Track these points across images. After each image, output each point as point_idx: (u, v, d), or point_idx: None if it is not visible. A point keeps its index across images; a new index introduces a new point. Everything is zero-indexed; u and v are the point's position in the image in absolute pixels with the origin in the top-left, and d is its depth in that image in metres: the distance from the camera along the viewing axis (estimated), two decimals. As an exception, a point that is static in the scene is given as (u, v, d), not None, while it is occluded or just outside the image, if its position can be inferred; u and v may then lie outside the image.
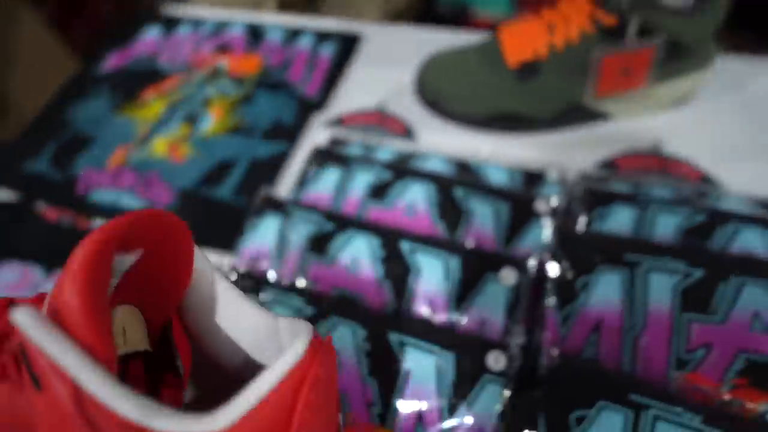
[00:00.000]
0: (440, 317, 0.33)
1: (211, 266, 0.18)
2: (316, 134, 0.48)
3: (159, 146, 0.51)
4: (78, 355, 0.13)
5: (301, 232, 0.37)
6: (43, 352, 0.13)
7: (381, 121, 0.48)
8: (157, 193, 0.47)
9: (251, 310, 0.18)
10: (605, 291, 0.30)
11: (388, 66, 0.53)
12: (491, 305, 0.32)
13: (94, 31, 1.56)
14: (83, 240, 0.14)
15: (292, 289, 0.34)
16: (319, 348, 0.14)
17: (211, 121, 0.52)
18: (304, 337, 0.14)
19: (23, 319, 0.13)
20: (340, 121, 0.49)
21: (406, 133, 0.47)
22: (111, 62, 0.61)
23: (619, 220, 0.34)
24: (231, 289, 0.18)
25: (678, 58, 0.42)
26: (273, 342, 0.17)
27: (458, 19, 1.25)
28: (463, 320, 0.32)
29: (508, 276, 0.33)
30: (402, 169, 0.40)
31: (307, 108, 0.51)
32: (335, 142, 0.45)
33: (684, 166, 0.40)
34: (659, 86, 0.43)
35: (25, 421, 0.16)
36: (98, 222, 0.47)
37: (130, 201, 0.47)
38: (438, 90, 0.46)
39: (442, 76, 0.46)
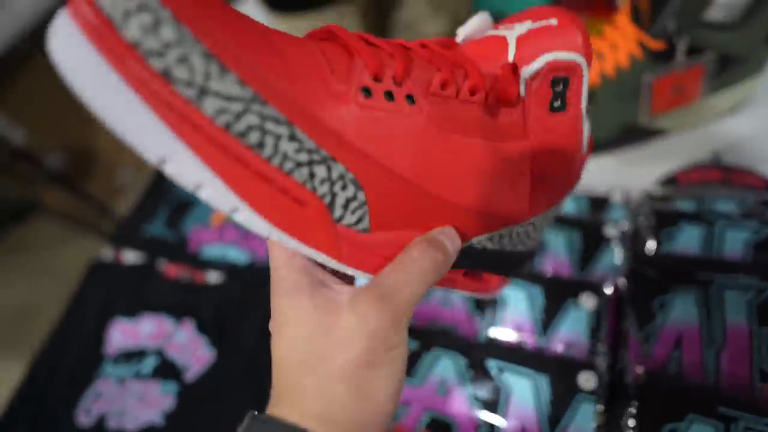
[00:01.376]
0: (530, 342, 0.37)
1: None
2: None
3: (253, 202, 0.58)
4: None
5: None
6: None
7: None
8: (259, 244, 0.54)
9: None
10: (682, 310, 0.33)
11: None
12: (575, 329, 0.36)
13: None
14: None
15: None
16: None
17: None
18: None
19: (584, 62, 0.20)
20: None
21: None
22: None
23: (688, 240, 0.36)
24: None
25: (730, 67, 0.43)
26: None
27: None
28: (551, 344, 0.36)
29: (588, 300, 0.36)
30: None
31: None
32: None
33: (747, 175, 0.42)
34: (714, 97, 0.45)
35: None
36: (213, 275, 0.54)
37: (236, 254, 0.55)
38: None
39: None
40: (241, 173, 0.16)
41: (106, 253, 0.61)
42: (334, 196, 0.17)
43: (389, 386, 0.18)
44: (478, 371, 0.35)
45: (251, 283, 0.51)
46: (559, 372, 0.34)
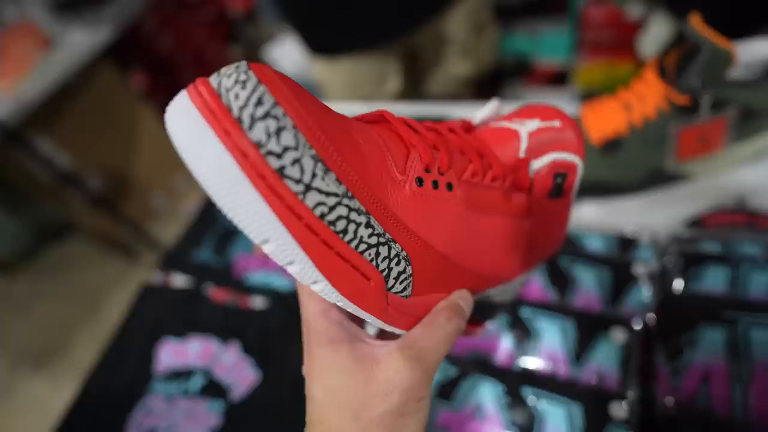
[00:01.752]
0: (563, 372, 0.39)
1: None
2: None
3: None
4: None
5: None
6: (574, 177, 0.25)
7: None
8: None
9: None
10: (710, 346, 0.35)
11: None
12: (606, 361, 0.38)
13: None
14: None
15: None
16: None
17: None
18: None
19: (578, 161, 0.26)
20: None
21: None
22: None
23: (714, 280, 0.39)
24: None
25: (753, 120, 0.46)
26: None
27: (521, 70, 1.32)
28: (584, 374, 0.38)
29: (618, 334, 0.39)
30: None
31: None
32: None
33: (771, 220, 0.44)
34: (738, 146, 0.48)
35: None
36: (257, 300, 0.58)
37: (280, 281, 0.58)
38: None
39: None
40: (326, 253, 0.19)
41: (156, 276, 0.65)
42: (390, 270, 0.21)
43: (418, 429, 0.21)
44: (514, 398, 0.38)
45: (295, 310, 0.54)
46: (591, 401, 0.36)
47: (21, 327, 1.67)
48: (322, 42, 0.80)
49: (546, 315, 0.41)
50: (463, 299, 0.24)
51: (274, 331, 0.55)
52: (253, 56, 1.95)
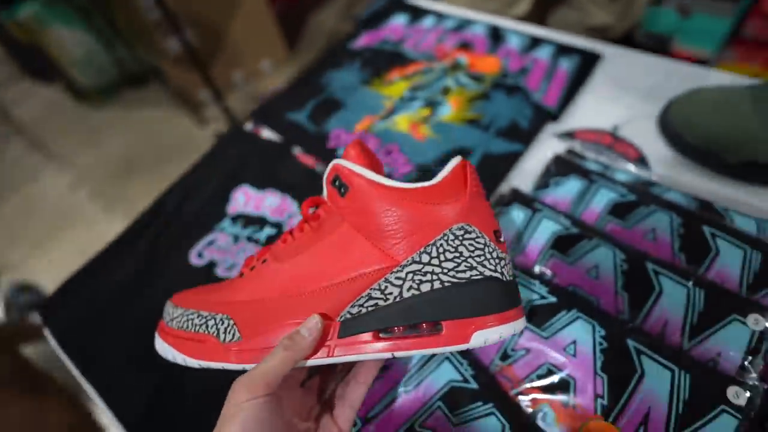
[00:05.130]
0: (672, 340, 0.35)
1: None
2: (551, 142, 0.51)
3: (401, 122, 0.58)
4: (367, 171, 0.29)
5: (546, 229, 0.41)
6: (352, 170, 0.29)
7: (613, 143, 0.50)
8: (397, 161, 0.54)
9: None
10: None
11: (626, 90, 0.55)
12: (731, 344, 0.34)
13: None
14: (352, 143, 0.33)
15: (532, 275, 0.39)
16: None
17: (449, 109, 0.58)
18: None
19: (345, 163, 0.30)
20: (571, 135, 0.52)
21: (639, 160, 0.49)
22: (362, 41, 0.70)
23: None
24: None
25: None
26: None
27: (657, 49, 1.19)
28: (697, 350, 0.34)
29: (757, 322, 0.34)
30: (645, 194, 0.42)
31: (542, 116, 0.54)
32: (572, 154, 0.49)
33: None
34: None
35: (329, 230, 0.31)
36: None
37: (374, 164, 0.55)
38: (690, 126, 0.46)
39: (700, 113, 0.46)
40: (177, 341, 0.33)
41: (247, 125, 0.63)
42: (218, 330, 0.31)
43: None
44: (614, 345, 0.34)
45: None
46: (705, 378, 0.32)
47: (88, 154, 1.74)
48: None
49: (674, 278, 0.36)
50: (305, 326, 0.28)
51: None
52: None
